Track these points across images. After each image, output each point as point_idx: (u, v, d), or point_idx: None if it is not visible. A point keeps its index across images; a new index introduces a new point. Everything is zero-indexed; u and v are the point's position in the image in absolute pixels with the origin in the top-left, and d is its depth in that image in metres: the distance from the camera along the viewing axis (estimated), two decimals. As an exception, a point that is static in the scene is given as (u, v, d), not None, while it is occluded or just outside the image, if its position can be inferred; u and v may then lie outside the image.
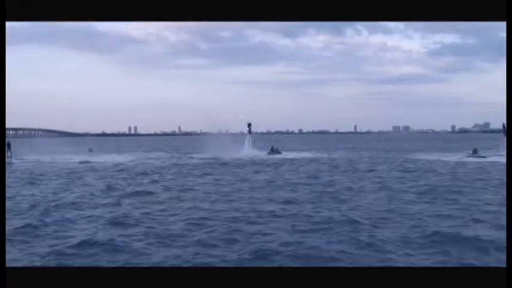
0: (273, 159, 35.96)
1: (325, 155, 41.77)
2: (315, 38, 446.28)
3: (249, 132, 44.44)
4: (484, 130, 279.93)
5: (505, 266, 5.05)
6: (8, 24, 5.06)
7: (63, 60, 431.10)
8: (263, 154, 40.83)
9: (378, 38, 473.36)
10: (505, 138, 39.47)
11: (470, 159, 33.26)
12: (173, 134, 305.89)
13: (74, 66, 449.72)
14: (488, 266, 7.18)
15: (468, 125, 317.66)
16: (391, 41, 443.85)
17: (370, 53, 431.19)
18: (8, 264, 5.12)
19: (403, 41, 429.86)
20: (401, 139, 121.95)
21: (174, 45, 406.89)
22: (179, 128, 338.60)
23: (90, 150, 51.10)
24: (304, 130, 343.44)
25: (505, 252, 5.44)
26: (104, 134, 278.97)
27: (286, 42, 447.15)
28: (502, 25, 5.16)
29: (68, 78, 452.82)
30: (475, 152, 36.19)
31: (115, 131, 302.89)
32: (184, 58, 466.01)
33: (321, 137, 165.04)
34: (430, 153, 42.30)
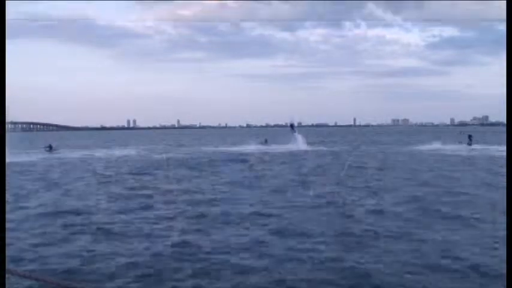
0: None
1: None
2: (313, 31, 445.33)
3: (294, 131, 47.48)
4: (483, 123, 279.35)
5: (504, 266, 5.05)
6: (7, 19, 5.00)
7: (61, 54, 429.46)
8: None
9: (376, 31, 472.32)
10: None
11: None
12: (172, 128, 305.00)
13: (73, 60, 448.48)
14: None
15: (467, 118, 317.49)
16: (390, 34, 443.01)
17: (368, 46, 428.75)
18: (8, 265, 5.10)
19: (402, 34, 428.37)
20: (413, 132, 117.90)
21: (173, 38, 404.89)
22: (178, 121, 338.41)
23: (50, 147, 37.58)
24: (303, 123, 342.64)
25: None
26: (102, 128, 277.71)
27: (284, 35, 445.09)
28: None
29: (67, 72, 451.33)
30: None
31: (114, 125, 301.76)
32: (183, 51, 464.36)
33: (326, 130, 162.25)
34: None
